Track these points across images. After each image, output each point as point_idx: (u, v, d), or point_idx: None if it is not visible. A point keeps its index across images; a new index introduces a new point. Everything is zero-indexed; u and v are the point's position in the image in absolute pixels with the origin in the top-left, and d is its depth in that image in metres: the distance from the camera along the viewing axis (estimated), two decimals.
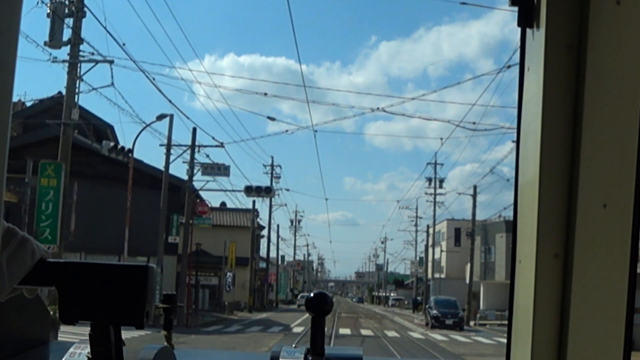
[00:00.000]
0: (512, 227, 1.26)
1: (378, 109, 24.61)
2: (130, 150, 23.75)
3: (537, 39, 1.15)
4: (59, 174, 19.11)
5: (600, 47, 1.09)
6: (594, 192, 1.10)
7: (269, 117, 27.70)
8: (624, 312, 1.11)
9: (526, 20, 1.18)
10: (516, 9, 1.19)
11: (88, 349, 1.07)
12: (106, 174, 29.79)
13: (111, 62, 20.32)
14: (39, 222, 18.94)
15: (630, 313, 1.11)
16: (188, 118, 47.64)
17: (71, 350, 1.24)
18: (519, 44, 1.22)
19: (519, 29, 1.21)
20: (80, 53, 20.57)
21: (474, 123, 28.16)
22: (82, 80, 20.33)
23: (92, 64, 20.52)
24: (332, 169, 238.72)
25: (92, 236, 29.36)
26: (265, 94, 25.94)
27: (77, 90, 20.21)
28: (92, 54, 20.38)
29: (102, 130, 29.81)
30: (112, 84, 20.85)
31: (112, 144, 22.34)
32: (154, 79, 22.03)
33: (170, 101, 37.54)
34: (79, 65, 20.30)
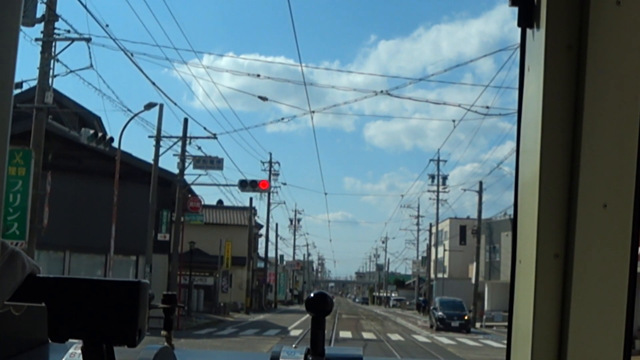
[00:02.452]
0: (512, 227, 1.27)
1: (382, 92, 22.55)
2: (112, 139, 21.83)
3: (537, 39, 1.17)
4: (28, 162, 17.26)
5: (600, 47, 1.10)
6: (594, 192, 1.11)
7: (260, 97, 25.59)
8: (624, 312, 1.12)
9: (526, 20, 1.20)
10: (516, 9, 1.20)
11: None
12: (93, 168, 28.34)
13: (88, 40, 18.62)
14: (6, 215, 16.97)
15: (630, 313, 1.12)
16: (175, 104, 45.57)
17: (71, 350, 1.25)
18: (519, 44, 1.23)
19: (519, 29, 1.22)
20: (57, 32, 18.54)
21: (487, 107, 26.09)
22: (58, 60, 18.33)
23: (68, 42, 18.44)
24: (332, 168, 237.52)
25: (78, 234, 27.78)
26: (258, 75, 24.02)
27: (52, 71, 18.18)
28: (68, 31, 18.42)
29: (89, 121, 27.97)
30: (91, 65, 18.96)
31: (92, 131, 20.37)
32: (132, 54, 20.01)
33: (153, 83, 35.53)
34: (53, 44, 18.28)
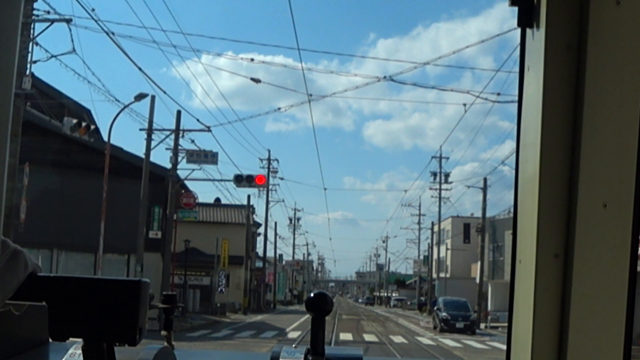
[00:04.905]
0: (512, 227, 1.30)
1: (385, 77, 21.16)
2: (98, 130, 20.46)
3: (537, 39, 1.18)
4: None
5: (600, 47, 1.12)
6: (594, 192, 1.12)
7: (252, 79, 24.26)
8: (624, 312, 1.13)
9: (526, 20, 1.20)
10: (516, 9, 1.21)
11: None
12: (82, 163, 26.92)
13: (69, 21, 17.24)
14: None
15: (630, 313, 1.13)
16: (165, 93, 43.80)
17: (71, 350, 1.25)
18: (519, 44, 1.25)
19: (519, 29, 1.24)
20: (36, 12, 17.18)
21: (498, 94, 24.45)
22: (37, 44, 16.97)
23: (47, 23, 17.07)
24: (332, 168, 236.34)
25: (66, 231, 26.50)
26: (252, 60, 22.66)
27: (30, 55, 16.81)
28: (48, 12, 17.04)
29: (78, 113, 26.70)
30: (74, 49, 17.57)
31: (75, 121, 18.97)
32: (113, 33, 18.26)
33: (140, 69, 33.76)
34: (32, 25, 16.91)
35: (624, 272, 1.11)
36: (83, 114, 28.60)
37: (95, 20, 21.54)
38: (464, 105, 27.30)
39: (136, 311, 1.02)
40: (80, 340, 1.11)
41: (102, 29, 18.93)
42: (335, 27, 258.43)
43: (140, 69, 27.09)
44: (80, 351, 1.14)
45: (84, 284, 1.04)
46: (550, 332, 1.14)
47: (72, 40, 19.36)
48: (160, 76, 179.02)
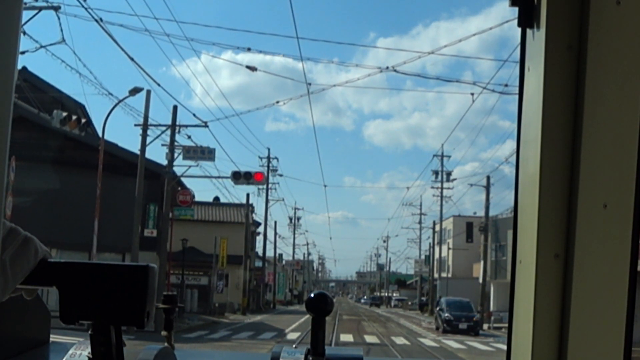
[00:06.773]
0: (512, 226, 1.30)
1: (387, 68, 20.36)
2: (89, 123, 19.69)
3: (537, 39, 1.19)
4: None
5: (600, 47, 1.13)
6: (594, 192, 1.13)
7: (248, 67, 23.51)
8: (624, 312, 1.13)
9: (526, 20, 1.21)
10: (516, 9, 1.22)
11: (88, 349, 1.10)
12: (75, 159, 26.32)
13: (57, 8, 16.40)
14: None
15: (630, 313, 1.14)
16: (159, 85, 42.68)
17: (71, 351, 1.28)
18: (519, 44, 1.25)
19: (519, 29, 1.24)
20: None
21: (506, 85, 23.50)
22: (25, 33, 16.16)
23: (35, 11, 16.31)
24: (332, 168, 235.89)
25: (59, 229, 26.04)
26: (249, 49, 21.85)
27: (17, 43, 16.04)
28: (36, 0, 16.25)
29: (72, 109, 25.99)
30: (63, 39, 16.79)
31: (65, 114, 18.21)
32: (101, 19, 17.51)
33: (132, 59, 32.60)
34: None
35: (624, 272, 1.11)
36: (77, 109, 27.91)
37: (85, 8, 20.77)
38: (472, 94, 26.47)
39: (144, 295, 1.03)
40: (80, 340, 1.16)
41: (92, 17, 18.20)
42: (335, 27, 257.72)
43: (132, 59, 25.82)
44: (80, 351, 1.17)
45: (93, 269, 1.07)
46: (551, 332, 1.14)
47: (62, 30, 18.99)
48: (160, 75, 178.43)
